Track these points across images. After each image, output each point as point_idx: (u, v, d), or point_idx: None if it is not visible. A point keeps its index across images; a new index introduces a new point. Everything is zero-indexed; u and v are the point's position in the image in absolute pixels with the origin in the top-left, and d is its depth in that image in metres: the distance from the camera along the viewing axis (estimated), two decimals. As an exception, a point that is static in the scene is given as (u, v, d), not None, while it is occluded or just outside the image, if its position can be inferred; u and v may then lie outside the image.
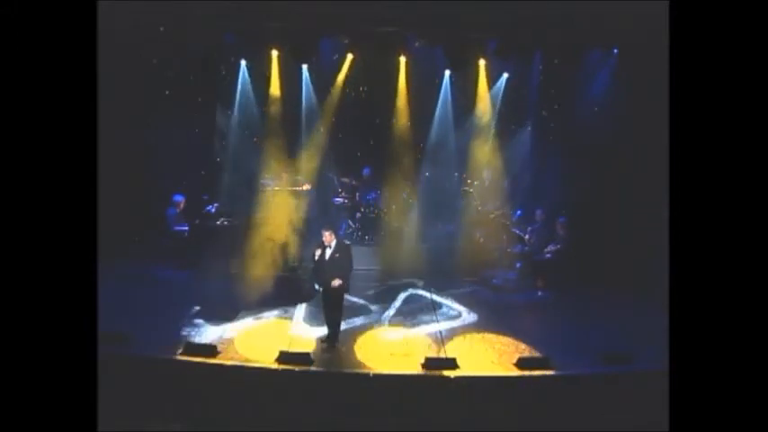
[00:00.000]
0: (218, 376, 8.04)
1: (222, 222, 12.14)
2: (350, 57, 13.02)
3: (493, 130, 13.27)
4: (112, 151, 9.50)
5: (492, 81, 13.24)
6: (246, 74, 13.05)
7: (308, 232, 11.44)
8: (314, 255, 9.01)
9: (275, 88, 13.13)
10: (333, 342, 8.93)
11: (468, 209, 13.15)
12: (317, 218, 11.98)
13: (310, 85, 13.26)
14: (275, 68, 13.00)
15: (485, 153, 13.29)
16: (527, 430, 7.65)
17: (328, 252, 8.90)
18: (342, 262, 8.93)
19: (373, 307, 10.65)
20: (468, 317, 10.43)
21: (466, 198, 13.30)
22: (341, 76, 13.18)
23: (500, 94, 13.25)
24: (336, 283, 8.80)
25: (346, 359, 8.62)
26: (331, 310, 9.01)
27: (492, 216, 12.96)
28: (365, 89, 13.38)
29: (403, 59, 12.95)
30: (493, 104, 13.30)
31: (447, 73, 13.22)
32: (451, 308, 10.83)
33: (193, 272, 11.22)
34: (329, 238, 8.91)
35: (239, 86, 13.07)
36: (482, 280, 12.21)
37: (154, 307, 9.88)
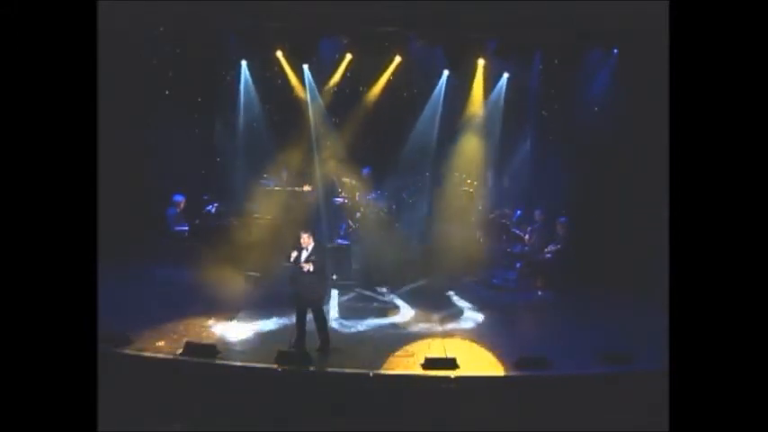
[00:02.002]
0: (218, 376, 8.03)
1: (222, 222, 12.13)
2: (348, 56, 13.03)
3: (493, 130, 13.27)
4: (112, 151, 9.49)
5: (492, 81, 13.25)
6: (247, 74, 13.07)
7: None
8: (289, 257, 8.66)
9: (299, 89, 13.16)
10: (324, 348, 8.65)
11: (469, 209, 13.14)
12: (318, 218, 12.01)
13: (313, 85, 13.28)
14: (287, 69, 13.02)
15: (485, 153, 13.30)
16: (527, 430, 7.64)
17: (303, 255, 8.55)
18: (315, 266, 8.50)
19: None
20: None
21: (466, 198, 13.29)
22: (340, 77, 13.20)
23: (500, 94, 13.26)
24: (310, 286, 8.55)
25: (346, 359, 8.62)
26: (303, 315, 8.66)
27: (492, 216, 12.96)
28: (365, 89, 13.38)
29: (398, 59, 12.94)
30: (493, 104, 13.30)
31: (446, 73, 13.22)
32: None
33: (193, 272, 11.21)
34: (306, 240, 8.57)
35: (239, 86, 13.09)
36: (482, 280, 12.21)
37: (154, 307, 9.87)
